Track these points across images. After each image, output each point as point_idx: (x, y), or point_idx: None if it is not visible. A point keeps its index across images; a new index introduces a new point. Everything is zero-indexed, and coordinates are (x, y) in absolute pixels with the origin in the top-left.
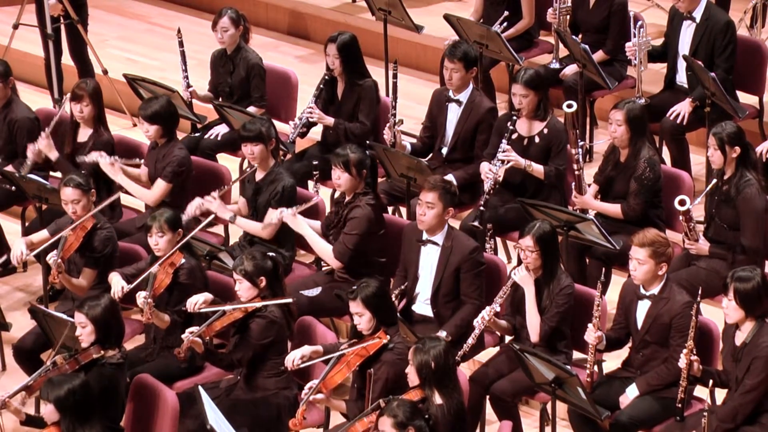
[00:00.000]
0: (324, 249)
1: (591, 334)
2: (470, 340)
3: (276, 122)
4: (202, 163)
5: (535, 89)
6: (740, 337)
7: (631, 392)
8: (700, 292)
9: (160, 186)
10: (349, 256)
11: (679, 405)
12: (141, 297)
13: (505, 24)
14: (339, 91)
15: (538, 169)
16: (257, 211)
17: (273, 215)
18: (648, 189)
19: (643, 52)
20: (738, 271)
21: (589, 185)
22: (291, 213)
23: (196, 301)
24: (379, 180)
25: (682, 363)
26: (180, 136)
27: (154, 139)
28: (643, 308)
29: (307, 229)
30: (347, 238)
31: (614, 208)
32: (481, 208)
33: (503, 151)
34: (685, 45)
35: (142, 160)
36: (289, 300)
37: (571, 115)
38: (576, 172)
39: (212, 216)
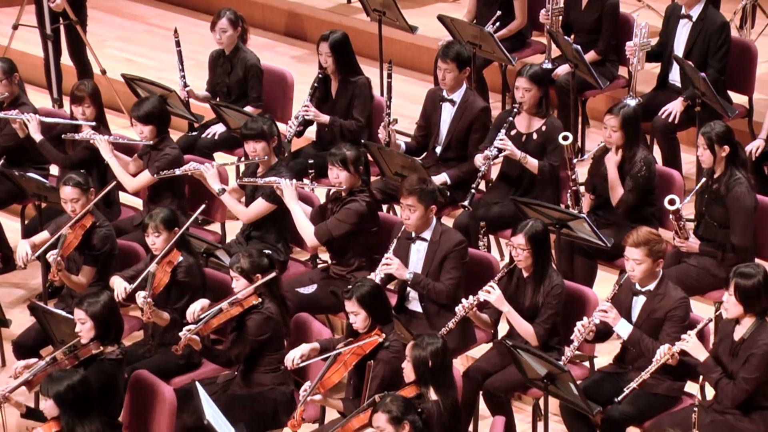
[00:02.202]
0: (306, 227)
1: (584, 328)
2: (450, 324)
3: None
4: (200, 162)
5: (538, 84)
6: (739, 333)
7: (623, 328)
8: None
9: (144, 177)
10: (326, 240)
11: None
12: (140, 297)
13: (497, 24)
14: (333, 90)
15: (532, 162)
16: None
17: (272, 178)
18: (641, 186)
19: (642, 52)
20: (741, 267)
21: (583, 195)
22: (291, 184)
23: (194, 310)
24: (374, 178)
25: (664, 349)
26: (177, 135)
27: (149, 139)
28: (638, 303)
29: (297, 204)
30: (334, 223)
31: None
32: (473, 190)
33: (501, 140)
34: (680, 44)
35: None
36: (275, 274)
37: (569, 147)
38: (573, 188)
39: (201, 208)
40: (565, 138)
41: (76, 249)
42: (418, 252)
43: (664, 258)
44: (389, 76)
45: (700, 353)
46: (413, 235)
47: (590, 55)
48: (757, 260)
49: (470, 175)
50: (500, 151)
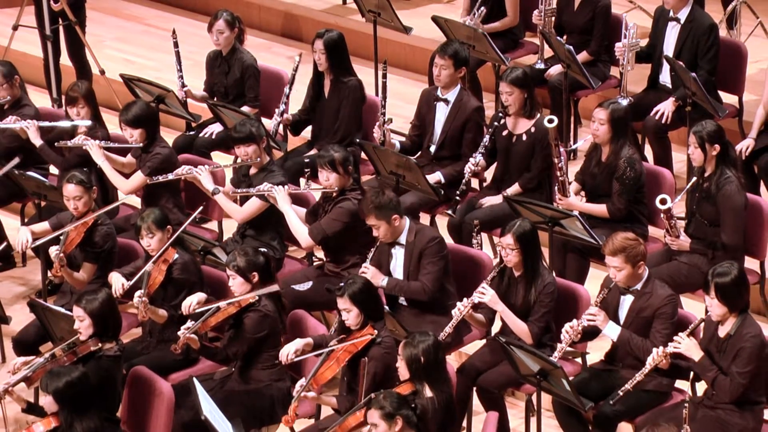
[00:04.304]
0: (300, 229)
1: (572, 330)
2: (448, 329)
3: (268, 121)
4: (197, 161)
5: (520, 87)
6: (724, 330)
7: (612, 330)
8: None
9: (137, 178)
10: (321, 239)
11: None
12: (136, 296)
13: (482, 10)
14: (326, 89)
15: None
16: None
17: (265, 187)
18: (630, 188)
19: (631, 53)
20: (717, 268)
21: (570, 183)
22: (284, 189)
23: (190, 303)
24: (370, 177)
25: (657, 352)
26: (175, 134)
27: (138, 142)
28: (625, 302)
29: (290, 208)
30: (327, 222)
31: (599, 209)
32: (458, 197)
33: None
34: (669, 46)
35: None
36: (276, 287)
37: (554, 129)
38: (560, 178)
39: (199, 209)
40: (551, 121)
41: (77, 246)
42: (398, 257)
43: (644, 260)
44: (384, 76)
45: (695, 353)
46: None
47: (582, 56)
48: (747, 258)
49: (464, 175)
50: (482, 154)
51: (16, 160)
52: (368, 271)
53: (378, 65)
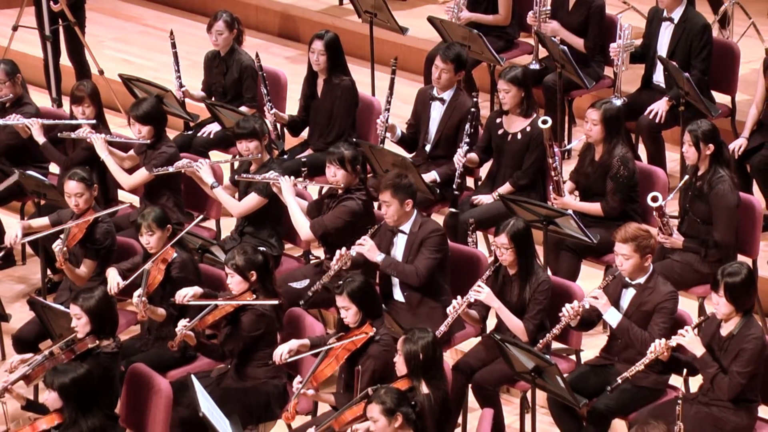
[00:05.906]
0: (302, 221)
1: (573, 309)
2: (443, 328)
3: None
4: (193, 160)
5: (517, 86)
6: (726, 329)
7: (612, 316)
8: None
9: (141, 174)
10: (322, 233)
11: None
12: (135, 296)
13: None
14: (319, 89)
15: None
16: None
17: (272, 174)
18: (624, 186)
19: (626, 53)
20: (726, 267)
21: (565, 182)
22: (290, 181)
23: (185, 294)
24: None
25: (660, 342)
26: (173, 134)
27: (146, 139)
28: (627, 296)
29: (294, 199)
30: (330, 218)
31: (594, 207)
32: (455, 192)
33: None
34: (663, 46)
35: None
36: (277, 302)
37: (548, 130)
38: (555, 178)
39: (201, 217)
40: (545, 122)
41: (78, 242)
42: (399, 244)
43: (653, 253)
44: (393, 72)
45: (697, 348)
46: (394, 228)
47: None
48: (739, 257)
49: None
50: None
51: (12, 178)
52: (366, 245)
53: (374, 65)
